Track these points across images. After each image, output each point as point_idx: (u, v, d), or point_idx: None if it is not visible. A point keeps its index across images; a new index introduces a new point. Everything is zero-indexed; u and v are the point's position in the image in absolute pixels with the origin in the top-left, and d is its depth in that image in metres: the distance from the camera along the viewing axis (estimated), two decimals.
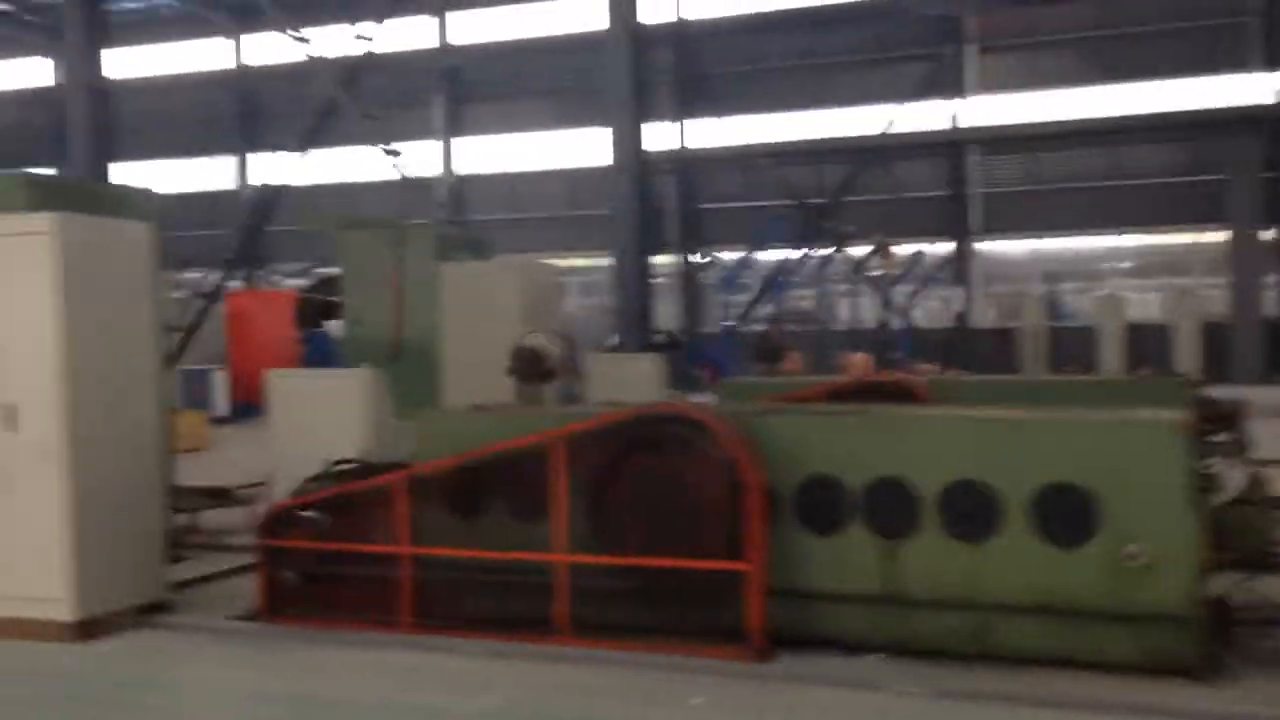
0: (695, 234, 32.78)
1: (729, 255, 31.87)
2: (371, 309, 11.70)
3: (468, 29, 33.87)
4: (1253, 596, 5.79)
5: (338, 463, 6.94)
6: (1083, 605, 5.16)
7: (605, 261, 30.85)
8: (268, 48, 35.11)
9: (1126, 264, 31.11)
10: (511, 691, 5.37)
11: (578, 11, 31.74)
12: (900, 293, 29.86)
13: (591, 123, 32.11)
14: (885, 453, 5.43)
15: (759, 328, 27.84)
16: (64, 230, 6.17)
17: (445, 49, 33.59)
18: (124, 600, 6.49)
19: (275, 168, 22.51)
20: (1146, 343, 25.60)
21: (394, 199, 26.32)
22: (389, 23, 21.34)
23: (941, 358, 27.85)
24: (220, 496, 9.74)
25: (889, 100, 30.51)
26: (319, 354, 14.21)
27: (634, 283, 16.45)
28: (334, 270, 20.60)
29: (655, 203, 21.05)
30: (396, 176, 21.68)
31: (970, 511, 5.27)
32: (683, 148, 31.79)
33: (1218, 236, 27.85)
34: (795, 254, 29.35)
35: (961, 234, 30.80)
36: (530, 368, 7.35)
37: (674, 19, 30.86)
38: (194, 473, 10.32)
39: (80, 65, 18.17)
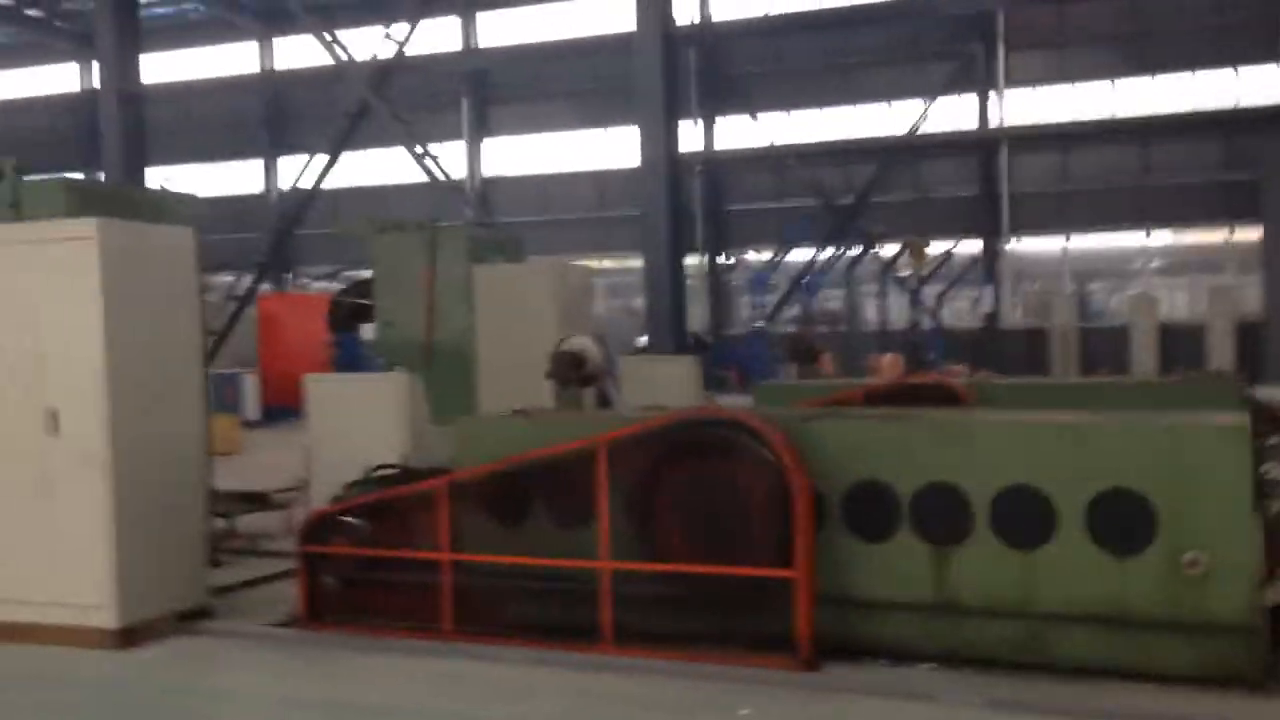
0: (721, 235, 32.73)
1: (756, 256, 31.79)
2: (404, 312, 11.70)
3: (494, 31, 33.92)
4: None
5: (377, 468, 6.91)
6: (1139, 614, 5.05)
7: (631, 263, 30.87)
8: (295, 51, 35.30)
9: (1158, 263, 30.80)
10: (555, 700, 5.31)
11: (603, 13, 31.72)
12: (929, 293, 29.68)
13: (617, 124, 32.12)
14: (937, 458, 5.33)
15: (789, 329, 27.74)
16: (107, 235, 6.16)
17: (472, 51, 33.64)
18: (165, 606, 6.47)
19: (304, 171, 22.57)
20: (1179, 343, 25.33)
21: (422, 201, 26.34)
22: (409, 26, 21.36)
23: (971, 359, 27.67)
24: (257, 501, 9.74)
25: (918, 99, 30.35)
26: (349, 357, 14.21)
27: (667, 284, 16.38)
28: (366, 273, 20.67)
29: (683, 204, 20.93)
30: (424, 179, 21.69)
31: (1024, 518, 5.17)
32: (710, 148, 31.74)
33: (1251, 234, 27.52)
34: (823, 254, 29.19)
35: (991, 233, 30.58)
36: (571, 371, 7.29)
37: (701, 20, 30.81)
38: (227, 476, 10.32)
39: (113, 71, 18.27)
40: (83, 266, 6.13)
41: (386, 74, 21.71)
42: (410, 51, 21.80)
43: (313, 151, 23.51)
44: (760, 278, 24.42)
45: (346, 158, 22.80)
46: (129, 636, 6.21)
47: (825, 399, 8.62)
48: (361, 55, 22.17)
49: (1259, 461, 5.29)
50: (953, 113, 30.46)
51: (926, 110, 30.31)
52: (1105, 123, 28.43)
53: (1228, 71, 28.20)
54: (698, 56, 30.94)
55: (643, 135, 17.17)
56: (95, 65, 33.69)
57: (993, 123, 30.36)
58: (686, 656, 5.57)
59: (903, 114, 30.93)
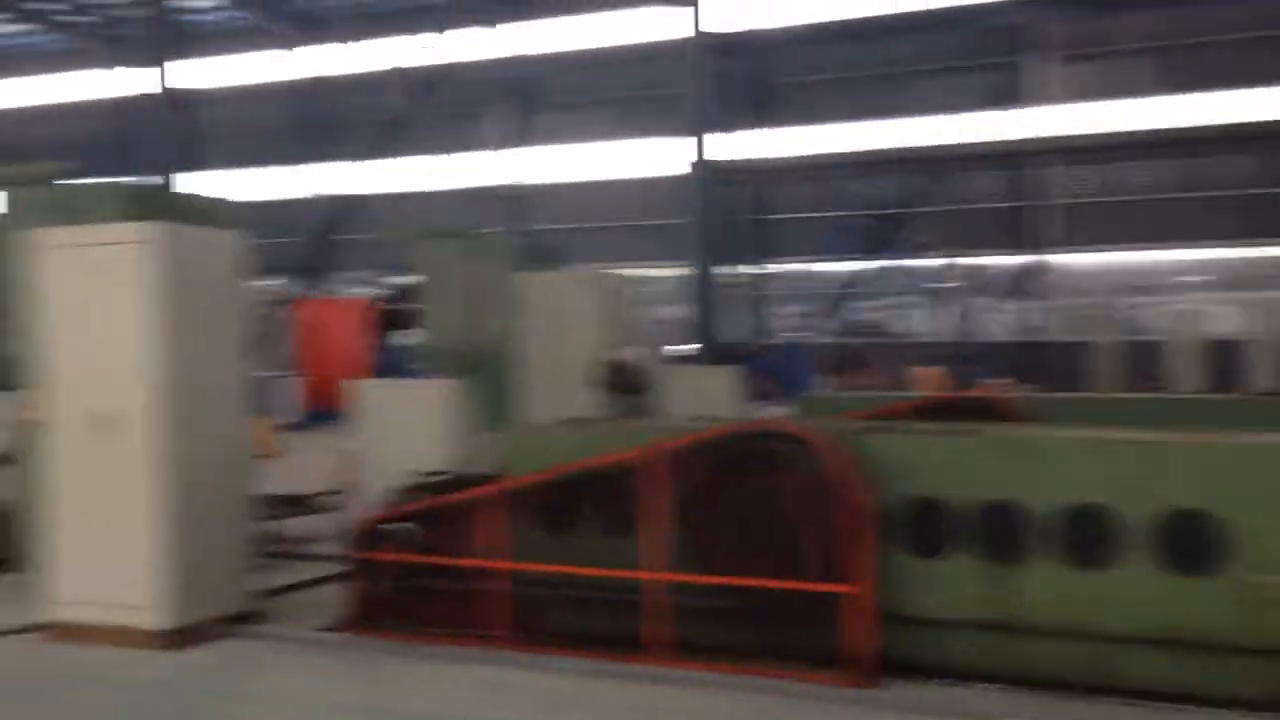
0: (760, 244, 32.63)
1: (795, 266, 31.65)
2: (446, 318, 11.70)
3: (535, 39, 34.02)
4: None
5: (427, 474, 6.88)
6: (1210, 637, 4.91)
7: (668, 272, 30.81)
8: (336, 58, 35.57)
9: (1202, 277, 30.38)
10: (605, 713, 5.24)
11: (643, 22, 31.75)
12: (970, 305, 29.43)
13: (654, 133, 32.11)
14: (1000, 475, 5.23)
15: (831, 340, 27.58)
16: (161, 239, 6.17)
17: (513, 59, 33.75)
18: (215, 609, 6.47)
19: (346, 177, 22.70)
20: (1222, 358, 24.93)
21: (460, 208, 26.45)
22: (457, 33, 21.46)
23: (1012, 372, 27.38)
24: (300, 504, 9.74)
25: (961, 110, 30.13)
26: (390, 363, 14.27)
27: (708, 294, 16.30)
28: (409, 279, 20.73)
29: (725, 213, 20.87)
30: (462, 186, 21.78)
31: (1090, 537, 5.05)
32: (751, 158, 31.65)
33: None
34: (864, 265, 29.01)
35: (1033, 246, 30.29)
36: (621, 381, 7.23)
37: (744, 29, 30.73)
38: (266, 480, 10.32)
39: (158, 77, 18.45)
40: (136, 270, 6.15)
41: (429, 81, 21.82)
42: (452, 59, 21.88)
43: (353, 158, 23.68)
44: (800, 288, 24.29)
45: (385, 164, 22.88)
46: (179, 638, 6.21)
47: (871, 412, 8.51)
48: (404, 63, 22.31)
49: None
50: (995, 123, 30.20)
51: (969, 121, 30.07)
52: (1149, 134, 28.08)
53: (1274, 85, 27.78)
54: (738, 66, 30.85)
55: (686, 144, 17.11)
56: (139, 71, 34.19)
57: (1036, 134, 30.06)
58: (739, 670, 5.49)
59: (945, 125, 30.71)
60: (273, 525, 9.33)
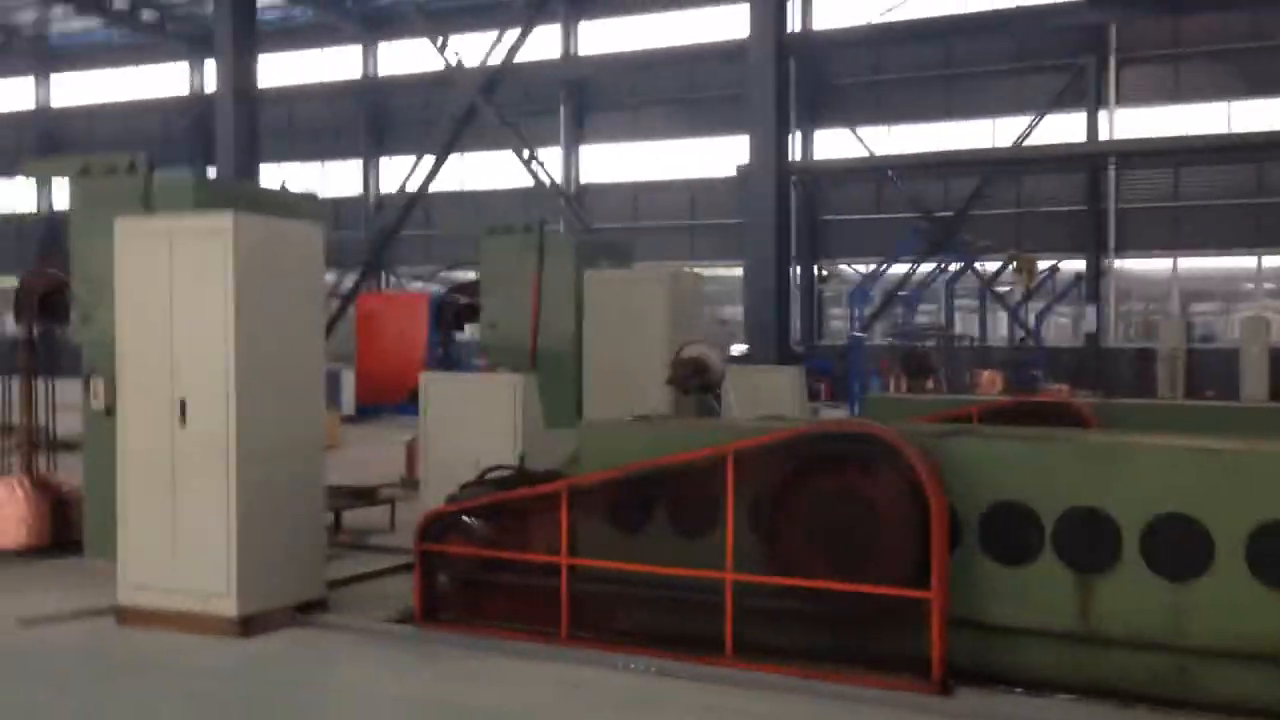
0: (816, 245, 32.43)
1: (849, 268, 31.40)
2: (509, 314, 11.70)
3: (593, 39, 34.10)
4: None
5: (493, 469, 6.88)
6: None
7: (721, 271, 30.73)
8: (397, 56, 35.88)
9: (1270, 285, 29.72)
10: (680, 714, 5.19)
11: (701, 23, 31.67)
12: (1031, 310, 29.02)
13: (710, 133, 32.02)
14: (1086, 482, 5.10)
15: (888, 342, 27.31)
16: (242, 229, 6.22)
17: (572, 59, 33.84)
18: (284, 598, 6.52)
19: (411, 174, 22.87)
20: None
21: (515, 206, 26.53)
22: (515, 33, 21.55)
23: (1072, 378, 26.96)
24: (365, 496, 9.80)
25: (1024, 112, 29.71)
26: (450, 359, 14.32)
27: (772, 294, 16.24)
28: (466, 275, 20.84)
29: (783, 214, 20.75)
30: (518, 184, 21.87)
31: (1178, 547, 4.92)
32: (810, 158, 31.45)
33: None
34: (923, 267, 28.69)
35: (1096, 250, 29.79)
36: (692, 378, 7.18)
37: (803, 29, 30.57)
38: (329, 471, 10.41)
39: (229, 73, 18.70)
40: (217, 259, 6.21)
41: (494, 79, 21.93)
42: (515, 58, 21.98)
43: (411, 154, 23.83)
44: (861, 291, 24.08)
45: (446, 161, 23.04)
46: (247, 625, 6.26)
47: (939, 415, 8.40)
48: (464, 61, 22.42)
49: None
50: (1059, 126, 29.74)
51: (1033, 124, 29.66)
52: (1218, 139, 27.46)
53: None
54: (798, 66, 30.66)
55: (752, 144, 17.05)
56: (208, 66, 34.69)
57: (1101, 137, 29.54)
58: (812, 674, 5.41)
59: (1006, 127, 30.30)
60: (340, 516, 9.43)
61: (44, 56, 41.23)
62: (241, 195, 7.61)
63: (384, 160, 37.23)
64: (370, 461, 13.95)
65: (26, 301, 8.76)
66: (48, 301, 8.78)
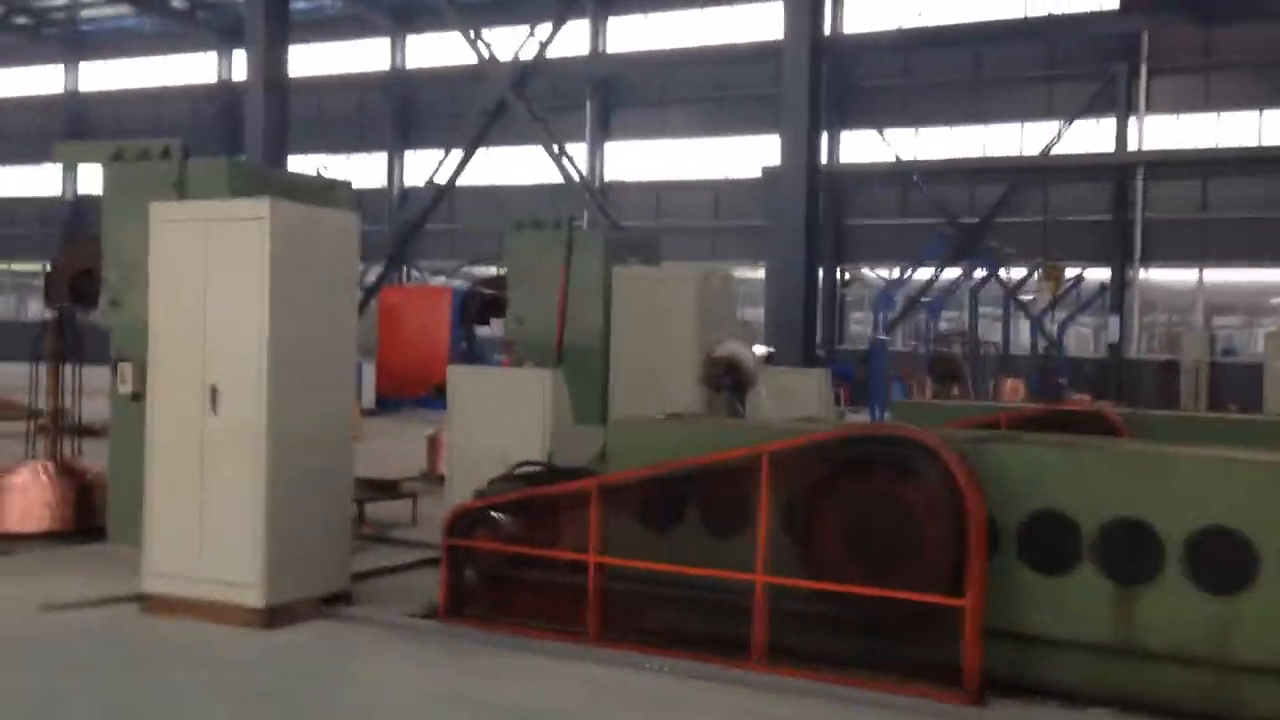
0: (840, 249, 32.31)
1: (871, 273, 31.27)
2: (535, 309, 11.63)
3: (623, 35, 34.05)
4: None
5: (521, 464, 6.83)
6: None
7: (750, 274, 30.62)
8: (425, 50, 35.92)
9: None
10: (710, 718, 5.13)
11: (730, 22, 31.60)
12: (1054, 318, 28.85)
13: (735, 133, 31.93)
14: (1129, 492, 5.02)
15: (911, 348, 27.19)
16: (278, 216, 6.18)
17: (599, 55, 33.81)
18: (310, 589, 6.47)
19: (439, 168, 22.87)
20: None
21: (539, 202, 26.51)
22: (545, 28, 21.52)
23: (1094, 388, 26.79)
24: (387, 489, 9.76)
25: (1053, 117, 29.51)
26: (474, 353, 14.29)
27: (799, 296, 16.16)
28: (491, 270, 20.81)
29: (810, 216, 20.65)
30: (542, 180, 21.86)
31: (1222, 560, 4.83)
32: (835, 160, 31.32)
33: None
34: (946, 273, 28.54)
35: (1121, 260, 29.58)
36: (726, 377, 7.11)
37: (832, 32, 30.43)
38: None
39: (260, 62, 18.72)
40: (252, 245, 6.16)
41: (526, 74, 21.91)
42: (545, 54, 21.97)
43: (436, 148, 23.87)
44: (886, 296, 23.97)
45: (473, 155, 23.04)
46: (273, 616, 6.21)
47: (970, 421, 8.30)
48: (501, 57, 22.41)
49: None
50: (1088, 133, 29.54)
51: (1061, 132, 29.46)
52: (1248, 150, 27.23)
53: None
54: (826, 67, 30.55)
55: (783, 146, 16.98)
56: (237, 56, 34.79)
57: (1130, 146, 29.33)
58: (843, 680, 5.34)
59: (1034, 134, 30.12)
60: (372, 508, 9.40)
61: (74, 43, 41.49)
62: (276, 181, 7.57)
63: (409, 154, 37.28)
64: (391, 455, 13.94)
65: (58, 282, 8.75)
66: (77, 284, 8.78)
